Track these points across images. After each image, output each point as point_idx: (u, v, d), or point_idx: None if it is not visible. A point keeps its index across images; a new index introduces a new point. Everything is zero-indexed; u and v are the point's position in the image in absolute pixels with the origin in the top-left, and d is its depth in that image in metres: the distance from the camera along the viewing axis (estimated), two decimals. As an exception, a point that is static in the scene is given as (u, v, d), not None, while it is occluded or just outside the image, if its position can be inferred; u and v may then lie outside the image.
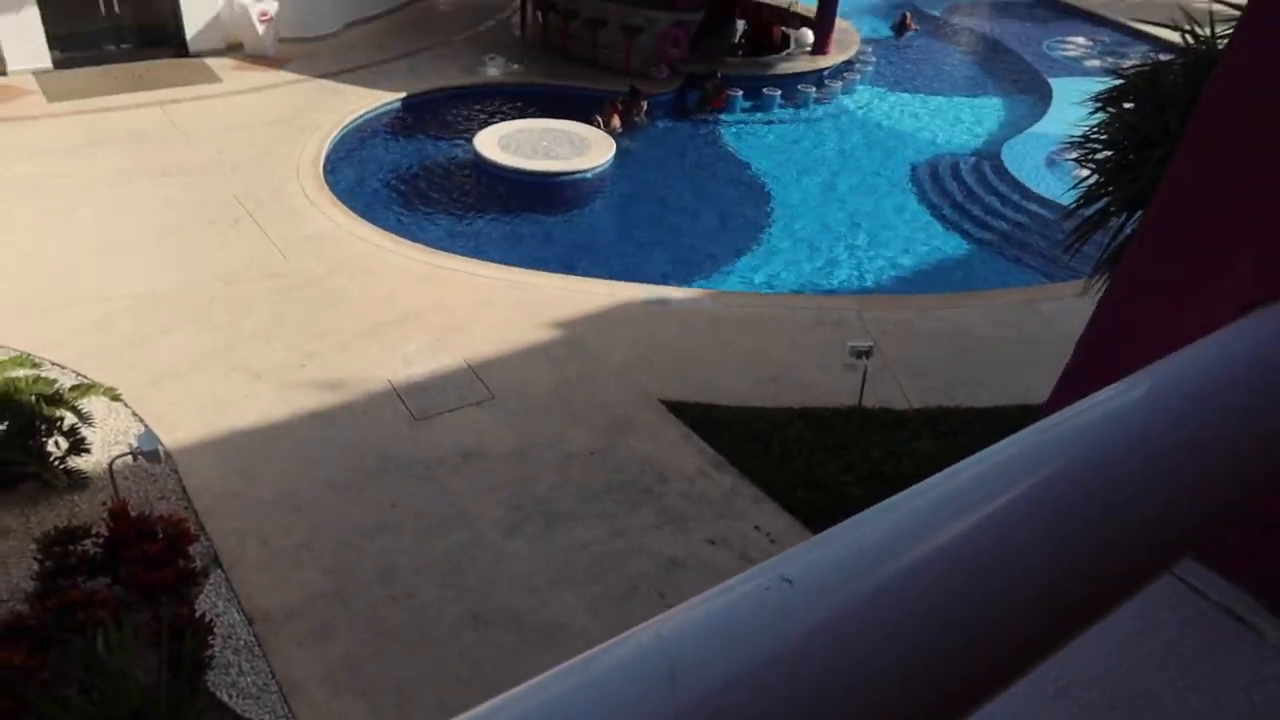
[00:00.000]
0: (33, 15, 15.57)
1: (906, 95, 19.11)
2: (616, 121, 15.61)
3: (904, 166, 15.80)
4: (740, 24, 20.17)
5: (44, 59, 15.88)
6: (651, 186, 14.58)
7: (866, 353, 8.66)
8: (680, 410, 8.95)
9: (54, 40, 15.91)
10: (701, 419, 8.83)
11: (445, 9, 21.11)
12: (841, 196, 14.66)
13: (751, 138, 16.55)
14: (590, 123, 15.18)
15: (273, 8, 17.10)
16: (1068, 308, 10.67)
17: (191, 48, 17.04)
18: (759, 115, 17.30)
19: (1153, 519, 0.76)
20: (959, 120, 18.01)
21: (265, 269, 10.89)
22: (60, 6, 15.87)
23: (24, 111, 14.49)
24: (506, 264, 11.66)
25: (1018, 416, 8.90)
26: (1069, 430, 0.82)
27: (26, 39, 15.61)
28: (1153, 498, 0.77)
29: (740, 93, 17.35)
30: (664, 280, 11.82)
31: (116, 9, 16.50)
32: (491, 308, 10.43)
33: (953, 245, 13.61)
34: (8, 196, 12.08)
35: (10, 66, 15.59)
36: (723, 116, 17.05)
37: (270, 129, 14.42)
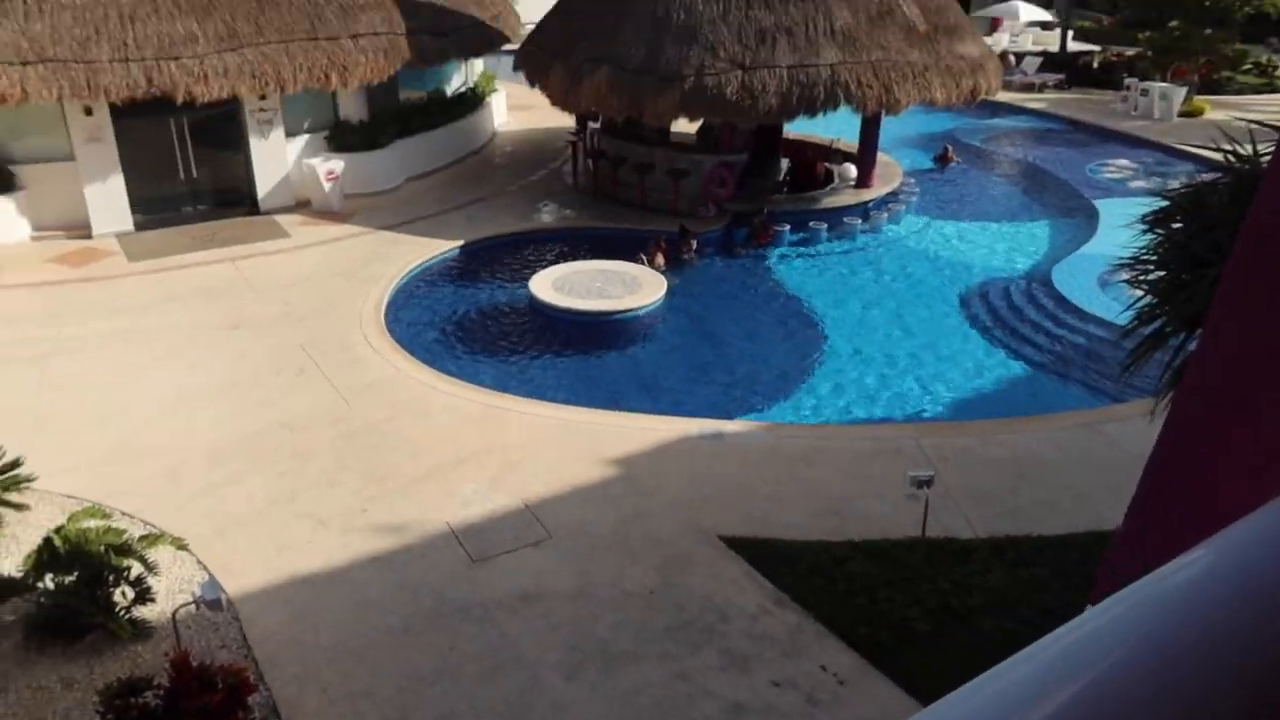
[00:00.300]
0: (118, 183, 16.68)
1: (953, 223, 19.36)
2: (660, 259, 16.01)
3: (954, 293, 15.87)
4: (784, 162, 20.80)
5: (126, 222, 16.91)
6: (704, 321, 14.80)
7: (927, 482, 8.51)
8: (739, 546, 8.81)
9: (136, 204, 16.98)
10: (761, 554, 8.68)
11: (500, 161, 22.14)
12: (893, 324, 14.71)
13: (800, 270, 16.82)
14: (636, 262, 15.61)
15: (339, 166, 18.11)
16: (1132, 430, 10.43)
17: (263, 206, 18.04)
18: (806, 248, 17.63)
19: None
20: (1007, 245, 18.15)
21: (329, 415, 11.16)
22: (143, 173, 17.00)
23: (106, 272, 15.34)
24: (563, 403, 11.82)
25: (1090, 545, 8.60)
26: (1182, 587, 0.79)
27: (112, 204, 16.69)
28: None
29: (787, 227, 17.74)
30: (718, 414, 11.84)
31: (194, 173, 17.62)
32: (547, 446, 10.51)
33: (1010, 369, 13.49)
34: (88, 353, 12.67)
35: (96, 230, 16.62)
36: (771, 251, 17.40)
37: (335, 280, 15.04)
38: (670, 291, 14.78)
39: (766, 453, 10.44)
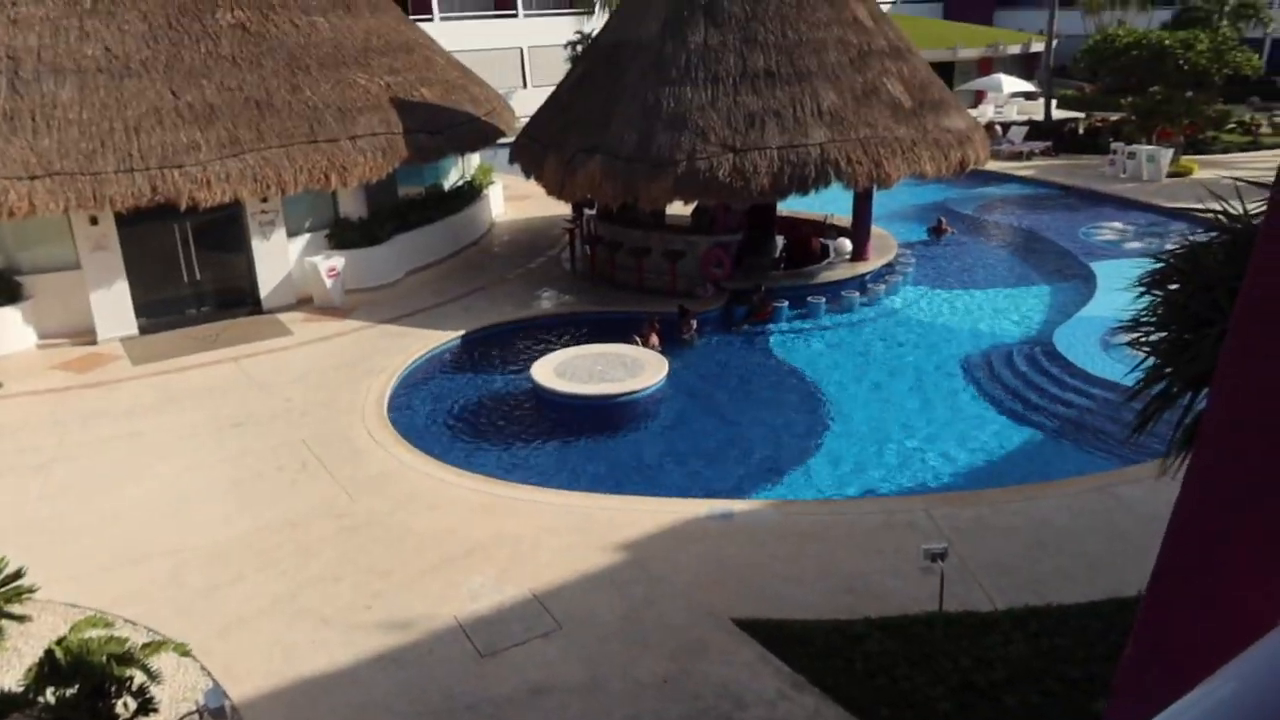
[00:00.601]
0: (123, 288, 16.88)
1: (951, 291, 19.48)
2: (655, 340, 16.06)
3: (956, 360, 15.86)
4: (779, 239, 21.04)
5: (130, 327, 17.06)
6: (707, 400, 14.77)
7: (941, 555, 8.36)
8: (753, 628, 8.62)
9: (140, 308, 17.15)
10: (776, 636, 8.47)
11: (499, 251, 22.41)
12: (897, 395, 14.67)
13: (801, 345, 16.85)
14: (630, 343, 15.67)
15: (340, 263, 18.35)
16: (1147, 491, 10.29)
17: (265, 305, 18.21)
18: (806, 323, 17.70)
19: None
20: (1006, 311, 18.21)
21: (332, 510, 11.06)
22: (147, 278, 17.22)
23: (109, 376, 15.39)
24: (568, 489, 11.71)
25: (1112, 612, 8.41)
26: None
27: (116, 310, 16.87)
28: None
29: (786, 303, 17.84)
30: (726, 494, 11.72)
31: (198, 276, 17.84)
32: (554, 535, 10.38)
33: (1017, 436, 13.39)
34: (91, 459, 12.63)
35: (101, 336, 16.76)
36: (770, 327, 17.46)
37: (337, 374, 15.08)
38: (672, 372, 14.78)
39: (776, 531, 10.29)
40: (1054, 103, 36.50)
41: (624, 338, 15.88)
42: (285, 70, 18.40)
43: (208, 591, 9.60)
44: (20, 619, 8.92)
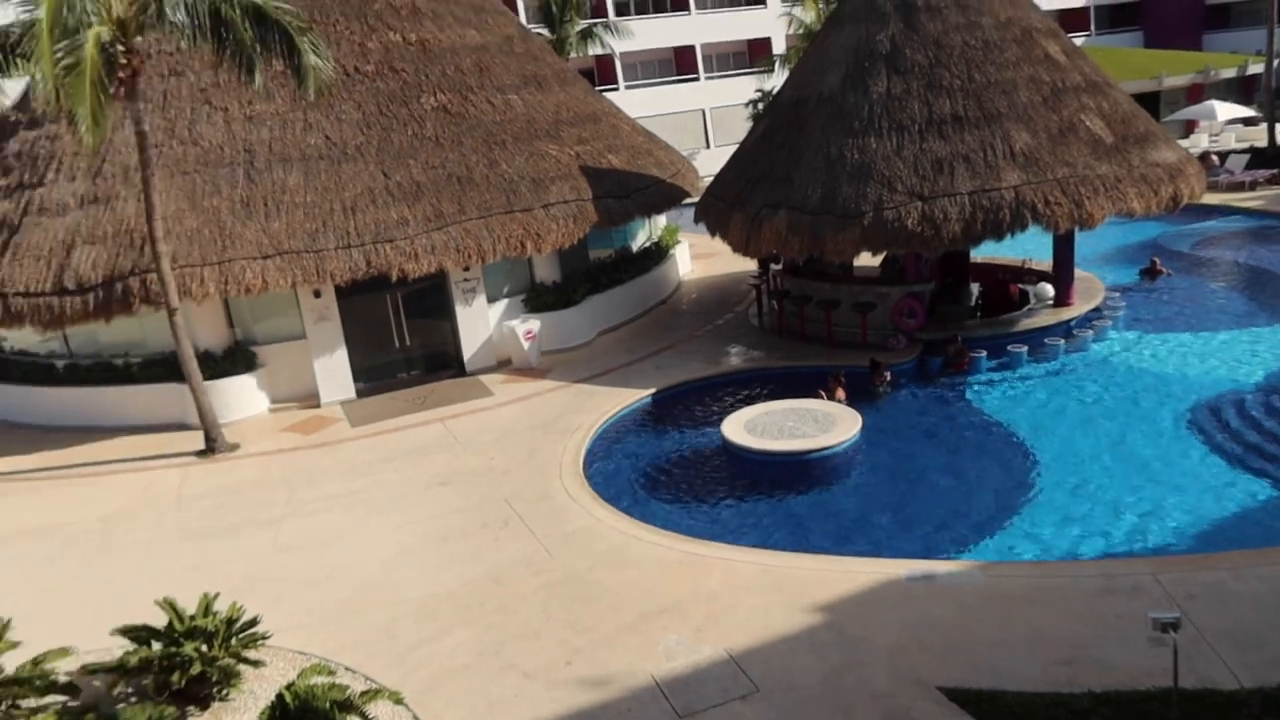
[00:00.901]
0: (342, 355, 18.29)
1: (1168, 335, 18.08)
2: (841, 394, 15.71)
3: (1178, 410, 14.65)
4: (974, 287, 20.28)
5: (349, 390, 18.41)
6: (903, 456, 14.30)
7: (1173, 624, 7.65)
8: (963, 698, 8.16)
9: (358, 373, 18.50)
10: (989, 708, 7.99)
11: (687, 309, 22.73)
12: (1112, 448, 13.69)
13: (1002, 397, 16.07)
14: (815, 397, 15.42)
15: (536, 326, 19.17)
16: None
17: (468, 368, 19.22)
18: (1007, 373, 16.88)
19: None
20: (1233, 355, 16.70)
21: (532, 567, 11.41)
22: (363, 345, 18.58)
23: (331, 437, 16.62)
24: (762, 547, 11.58)
25: (1385, 695, 7.43)
26: None
27: (337, 375, 18.27)
28: None
29: (984, 353, 17.11)
30: (927, 554, 11.25)
31: (408, 341, 19.07)
32: (749, 593, 10.27)
33: (1256, 492, 12.16)
34: (316, 515, 13.62)
35: (324, 399, 18.19)
36: (968, 379, 16.76)
37: (535, 433, 15.64)
38: (865, 427, 14.42)
39: (984, 595, 9.76)
40: (1278, 127, 33.57)
41: (811, 393, 15.66)
42: (483, 146, 19.58)
43: (419, 644, 10.08)
44: (255, 664, 9.66)
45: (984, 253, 20.08)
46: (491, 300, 19.60)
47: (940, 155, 16.77)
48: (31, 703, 9.25)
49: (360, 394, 18.50)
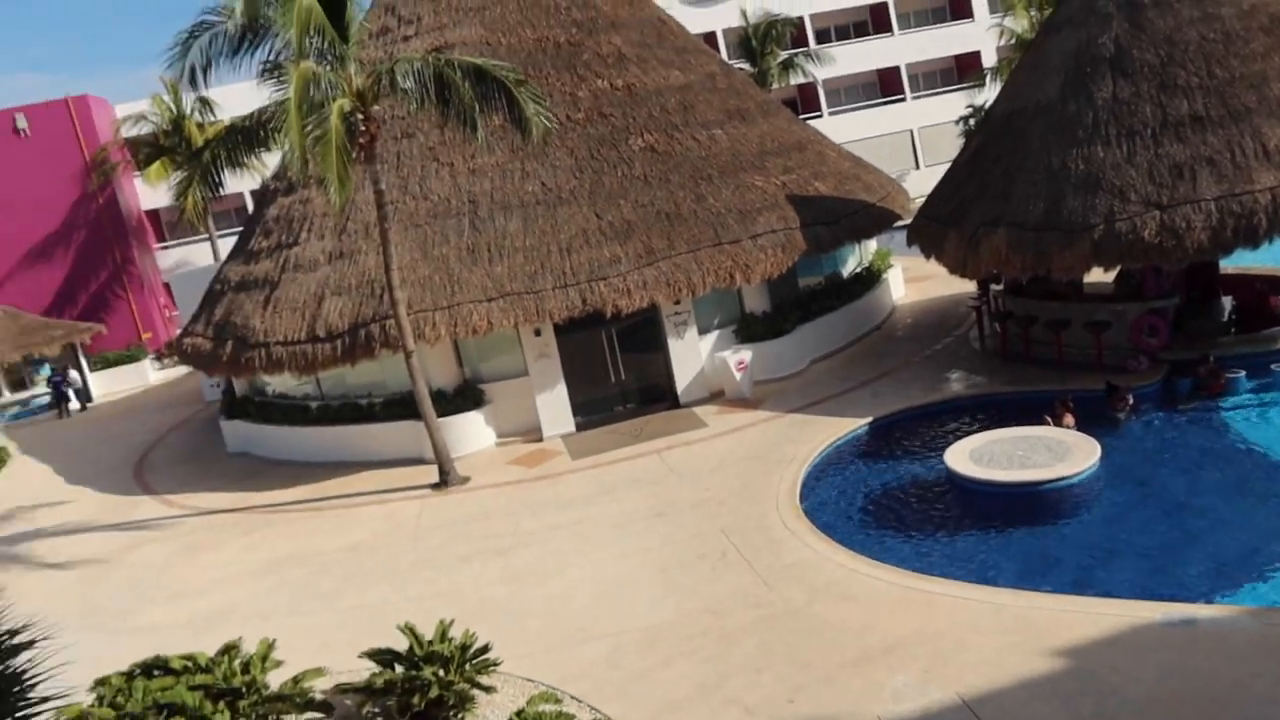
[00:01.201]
0: (562, 391, 19.00)
1: None
2: (1069, 420, 14.63)
3: None
4: (1227, 300, 18.45)
5: (569, 424, 19.07)
6: (1150, 487, 13.13)
7: None
8: (1236, 759, 7.34)
9: (576, 408, 19.14)
10: (1269, 771, 7.14)
11: (902, 334, 22.03)
12: None
13: (1265, 422, 14.47)
14: (1041, 424, 14.45)
15: (747, 356, 19.16)
16: None
17: (682, 400, 19.45)
18: (1270, 395, 15.19)
19: None
20: None
21: (751, 600, 11.31)
22: (581, 380, 19.21)
23: (553, 470, 17.26)
24: (991, 584, 10.94)
25: None
26: None
27: (557, 410, 18.99)
28: None
29: (1242, 374, 15.49)
30: (1181, 596, 10.23)
31: (622, 376, 19.55)
32: (980, 634, 9.71)
33: None
34: (540, 545, 14.14)
35: (545, 434, 18.94)
36: (1224, 402, 15.22)
37: (750, 464, 15.57)
38: (1104, 455, 13.37)
39: (1258, 643, 8.76)
40: None
41: (1037, 419, 14.72)
42: (690, 182, 19.90)
43: (641, 674, 10.20)
44: (487, 689, 10.10)
45: (1236, 262, 18.26)
46: (703, 332, 19.78)
47: (1179, 160, 15.45)
48: (291, 718, 10.10)
49: (579, 427, 19.11)
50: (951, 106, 42.32)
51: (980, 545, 12.45)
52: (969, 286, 20.93)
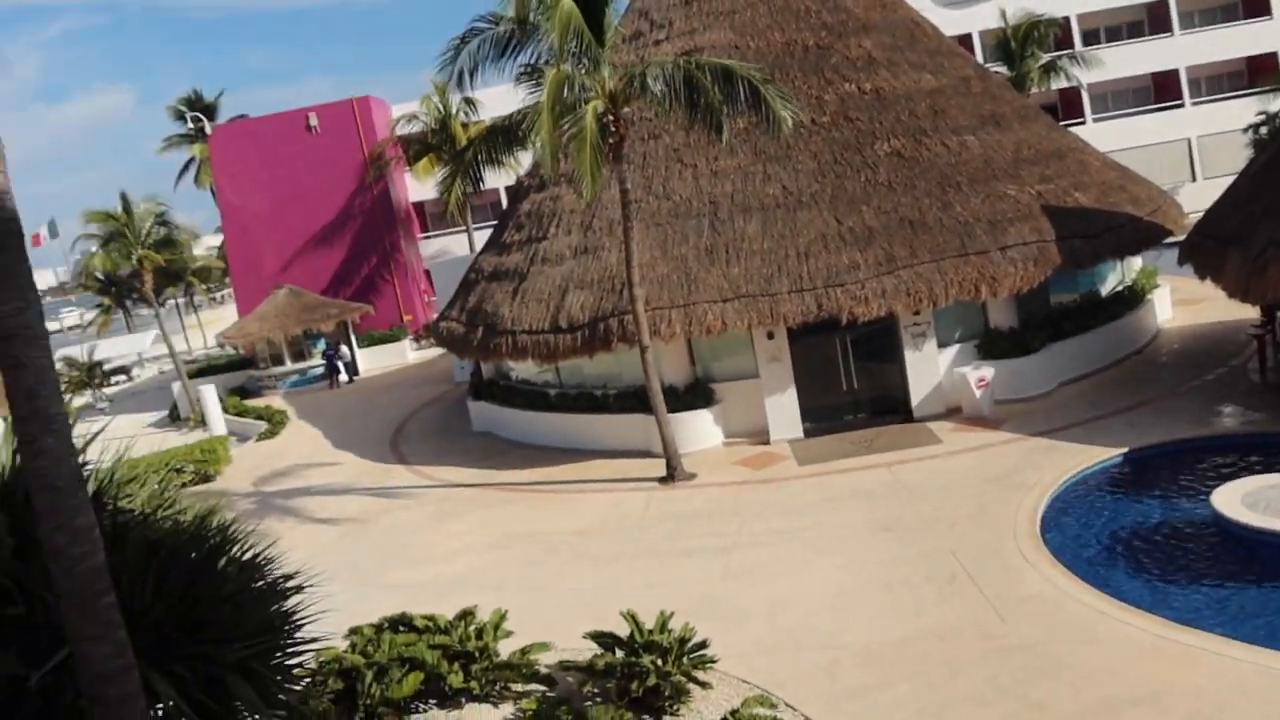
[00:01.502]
0: (792, 395, 18.88)
1: None
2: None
3: None
4: None
5: (797, 430, 18.92)
6: None
7: None
8: None
9: (805, 414, 18.96)
10: None
11: (1166, 360, 20.24)
12: None
13: None
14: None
15: (989, 374, 18.24)
16: None
17: (916, 414, 18.81)
18: None
19: None
20: None
21: (980, 629, 10.77)
22: (811, 386, 19.01)
23: (779, 474, 17.18)
24: (1265, 645, 9.82)
25: None
26: None
27: (786, 415, 18.90)
28: None
29: None
30: None
31: (855, 384, 19.16)
32: (1247, 697, 8.75)
33: None
34: (761, 547, 14.12)
35: (773, 437, 18.90)
36: None
37: (986, 486, 14.82)
38: None
39: None
40: None
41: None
42: (937, 189, 19.19)
43: (859, 691, 9.96)
44: (703, 685, 10.21)
45: None
46: (942, 345, 19.02)
47: None
48: (518, 688, 10.66)
49: (808, 433, 18.90)
50: (1238, 114, 38.32)
51: (1251, 601, 11.19)
52: (1250, 312, 18.91)
